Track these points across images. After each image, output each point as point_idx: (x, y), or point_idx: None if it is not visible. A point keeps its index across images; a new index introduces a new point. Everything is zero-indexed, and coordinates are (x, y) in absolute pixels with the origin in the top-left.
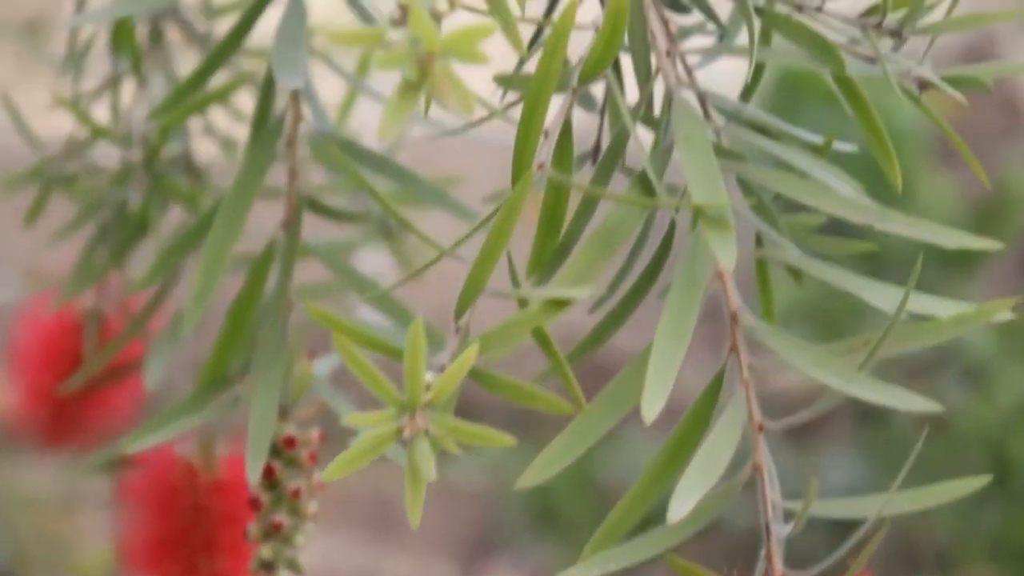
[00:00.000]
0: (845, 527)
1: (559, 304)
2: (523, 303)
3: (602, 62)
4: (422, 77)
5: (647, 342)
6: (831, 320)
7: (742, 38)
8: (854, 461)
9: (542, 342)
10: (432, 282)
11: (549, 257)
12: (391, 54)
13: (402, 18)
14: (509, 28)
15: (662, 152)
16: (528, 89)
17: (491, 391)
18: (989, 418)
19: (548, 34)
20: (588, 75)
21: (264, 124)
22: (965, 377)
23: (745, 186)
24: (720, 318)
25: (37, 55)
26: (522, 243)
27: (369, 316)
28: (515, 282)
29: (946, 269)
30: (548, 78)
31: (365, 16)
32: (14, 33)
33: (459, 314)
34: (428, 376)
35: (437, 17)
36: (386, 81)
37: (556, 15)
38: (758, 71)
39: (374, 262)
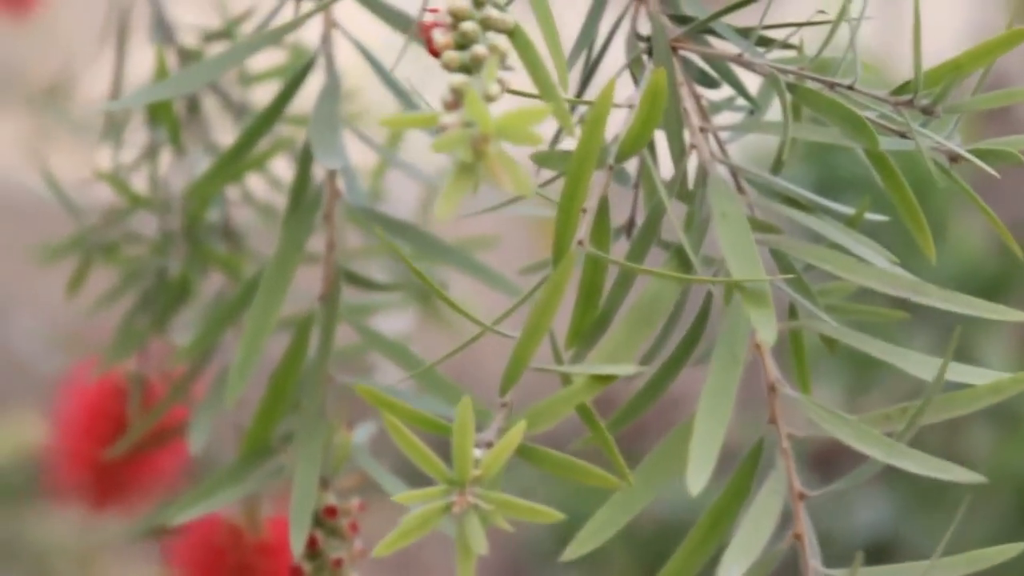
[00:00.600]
0: None
1: (603, 380)
2: (567, 379)
3: (640, 141)
4: (477, 159)
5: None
6: (859, 358)
7: (771, 112)
8: (881, 498)
9: (586, 416)
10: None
11: (588, 328)
12: (447, 139)
13: (454, 102)
14: (559, 111)
15: (698, 227)
16: (569, 169)
17: (538, 466)
18: (1016, 458)
19: (587, 115)
20: (625, 153)
21: (302, 198)
22: (992, 416)
23: (778, 257)
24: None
25: (56, 119)
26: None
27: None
28: (557, 356)
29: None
30: (589, 158)
31: (400, 94)
32: (33, 97)
33: (504, 390)
34: (476, 453)
35: (489, 100)
36: (414, 147)
37: (592, 94)
38: (789, 145)
39: (398, 320)
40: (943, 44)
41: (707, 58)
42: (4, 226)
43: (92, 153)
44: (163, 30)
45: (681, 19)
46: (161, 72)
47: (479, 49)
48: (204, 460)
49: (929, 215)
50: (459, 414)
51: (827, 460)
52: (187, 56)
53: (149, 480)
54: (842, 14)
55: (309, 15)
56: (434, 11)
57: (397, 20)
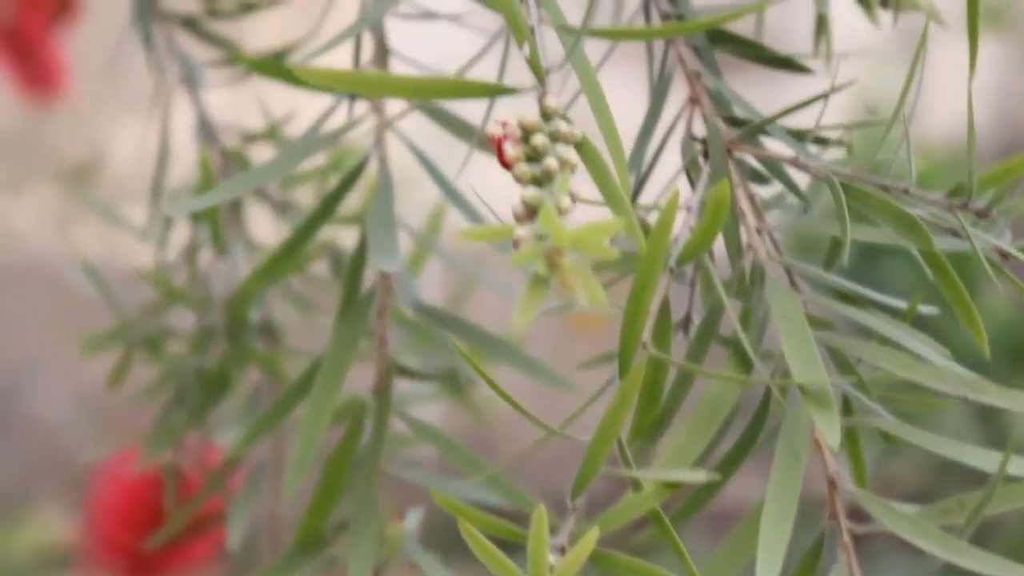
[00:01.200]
0: None
1: (672, 484)
2: (636, 484)
3: (701, 247)
4: (550, 271)
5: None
6: None
7: (817, 199)
8: (913, 564)
9: (656, 519)
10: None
11: (649, 426)
12: (524, 254)
13: (526, 214)
14: (629, 224)
15: (756, 325)
16: (636, 274)
17: (608, 570)
18: None
19: (655, 222)
20: (687, 258)
21: (354, 296)
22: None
23: (833, 352)
24: None
25: (83, 200)
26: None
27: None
28: (623, 456)
29: (1017, 364)
30: (655, 264)
31: (454, 196)
32: (61, 173)
33: (576, 494)
34: (551, 559)
35: (561, 213)
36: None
37: (647, 195)
38: (841, 243)
39: (428, 408)
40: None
41: (762, 159)
42: (31, 295)
43: (119, 229)
44: (206, 130)
45: (735, 121)
46: (205, 176)
47: (550, 162)
48: (239, 549)
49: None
50: (534, 523)
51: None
52: (230, 157)
53: (183, 569)
54: (894, 118)
55: (357, 122)
56: (503, 124)
57: (458, 127)
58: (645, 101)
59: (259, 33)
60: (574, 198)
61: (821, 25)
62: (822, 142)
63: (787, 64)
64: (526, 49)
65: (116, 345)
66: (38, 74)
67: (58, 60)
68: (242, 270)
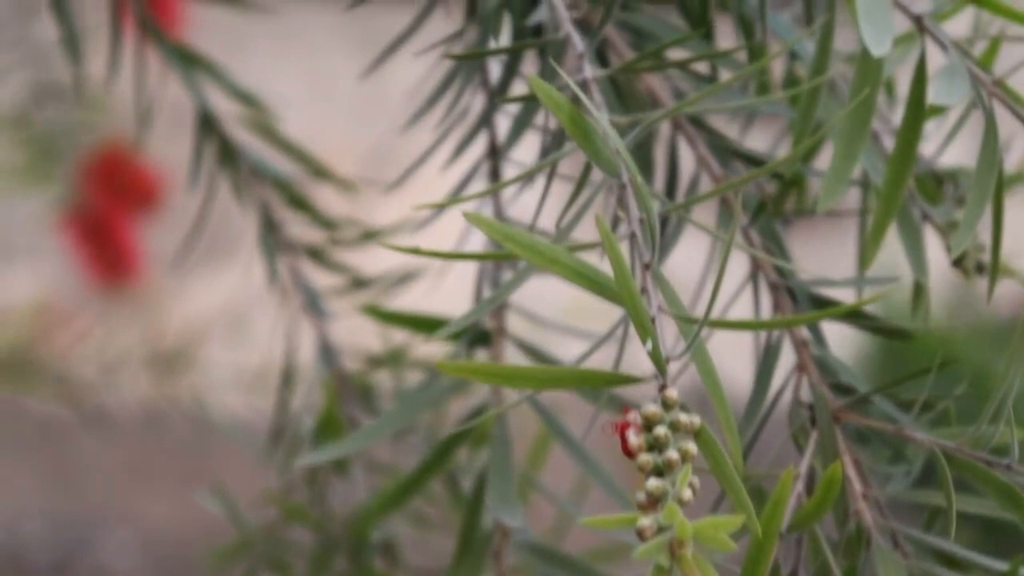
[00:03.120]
0: None
1: None
2: None
3: (812, 519)
4: (673, 562)
5: None
6: None
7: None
8: None
9: None
10: None
11: None
12: (649, 548)
13: (650, 504)
14: (750, 518)
15: None
16: (752, 543)
17: None
18: None
19: (770, 497)
20: (798, 526)
21: (472, 539)
22: None
23: None
24: None
25: (175, 385)
26: None
27: None
28: None
29: None
30: (771, 535)
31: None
32: (154, 361)
33: None
34: None
35: (683, 505)
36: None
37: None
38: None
39: None
40: None
41: (868, 428)
42: (101, 446)
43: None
44: (328, 356)
45: (841, 388)
46: (331, 406)
47: (672, 454)
48: None
49: None
50: None
51: None
52: (347, 380)
53: None
54: (1002, 402)
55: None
56: (627, 412)
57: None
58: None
59: (379, 257)
60: (695, 489)
61: (919, 294)
62: (928, 409)
63: (898, 334)
64: (649, 344)
65: (241, 559)
66: (114, 261)
67: (135, 248)
68: (361, 490)
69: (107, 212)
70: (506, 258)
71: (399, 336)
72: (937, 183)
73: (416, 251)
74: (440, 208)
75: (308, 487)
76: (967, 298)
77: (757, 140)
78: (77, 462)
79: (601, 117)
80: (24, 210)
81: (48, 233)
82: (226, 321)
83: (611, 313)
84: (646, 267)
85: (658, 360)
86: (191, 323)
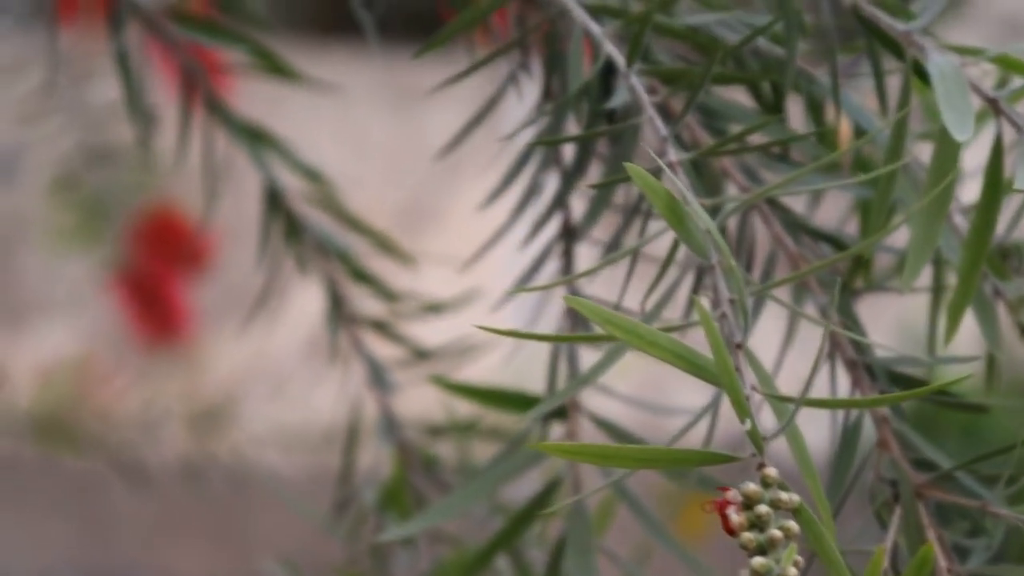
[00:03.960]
0: None
1: None
2: None
3: None
4: None
5: None
6: None
7: None
8: None
9: None
10: None
11: None
12: None
13: None
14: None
15: None
16: None
17: None
18: None
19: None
20: None
21: None
22: None
23: None
24: None
25: (214, 441)
26: None
27: None
28: None
29: None
30: None
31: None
32: (193, 420)
33: None
34: None
35: None
36: None
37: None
38: None
39: None
40: None
41: (952, 504)
42: (130, 497)
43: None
44: (391, 427)
45: (922, 464)
46: (398, 478)
47: (775, 533)
48: None
49: None
50: None
51: None
52: (411, 451)
53: None
54: None
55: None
56: (724, 489)
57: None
58: None
59: (439, 329)
60: (799, 567)
61: (992, 367)
62: (1012, 483)
63: (975, 409)
64: (747, 423)
65: None
66: (161, 319)
67: (181, 307)
68: (425, 561)
69: (155, 271)
70: (602, 340)
71: (462, 407)
72: (1003, 257)
73: (513, 333)
74: (515, 292)
75: (371, 558)
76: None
77: (822, 213)
78: (111, 515)
79: (691, 199)
80: (73, 269)
81: (94, 291)
82: (266, 377)
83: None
84: (738, 347)
85: (756, 439)
86: (232, 378)
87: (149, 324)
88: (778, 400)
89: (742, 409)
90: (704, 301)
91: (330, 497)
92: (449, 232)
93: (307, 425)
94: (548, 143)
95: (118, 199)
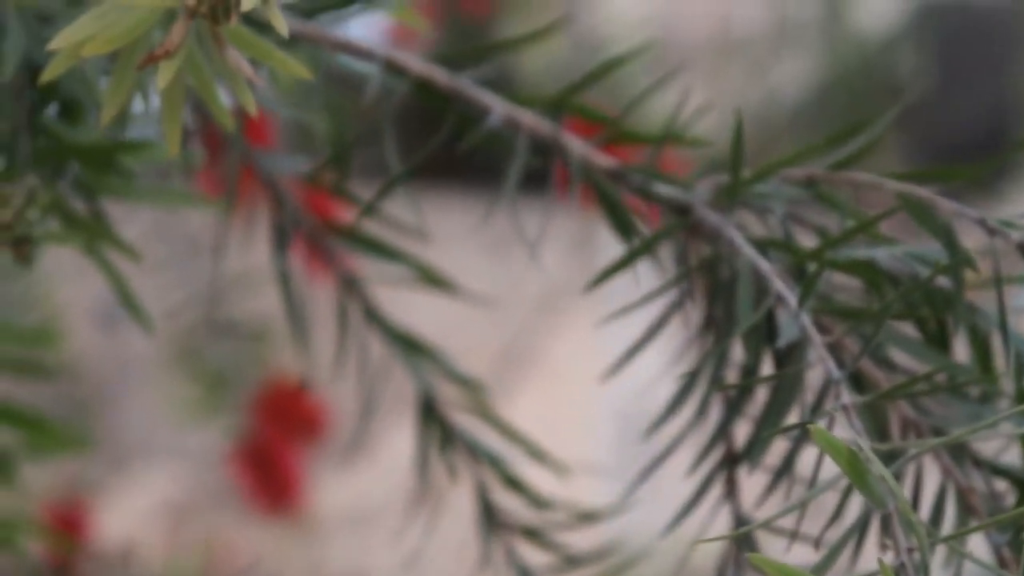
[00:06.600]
0: None
1: None
2: None
3: None
4: None
5: None
6: None
7: None
8: None
9: None
10: None
11: None
12: None
13: None
14: None
15: None
16: None
17: None
18: None
19: None
20: None
21: None
22: None
23: None
24: None
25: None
26: None
27: None
28: None
29: None
30: None
31: None
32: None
33: None
34: None
35: None
36: None
37: None
38: None
39: None
40: None
41: None
42: None
43: None
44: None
45: None
46: None
47: None
48: None
49: None
50: None
51: None
52: None
53: None
54: None
55: None
56: None
57: None
58: None
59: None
60: None
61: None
62: None
63: None
64: None
65: None
66: (278, 490)
67: (299, 479)
68: None
69: (274, 443)
70: None
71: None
72: None
73: None
74: (680, 520)
75: None
76: None
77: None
78: None
79: (866, 447)
80: (195, 440)
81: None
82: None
83: None
84: None
85: None
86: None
87: (266, 495)
88: None
89: None
90: (887, 557)
91: None
92: (547, 372)
93: None
94: (727, 388)
95: (240, 372)
